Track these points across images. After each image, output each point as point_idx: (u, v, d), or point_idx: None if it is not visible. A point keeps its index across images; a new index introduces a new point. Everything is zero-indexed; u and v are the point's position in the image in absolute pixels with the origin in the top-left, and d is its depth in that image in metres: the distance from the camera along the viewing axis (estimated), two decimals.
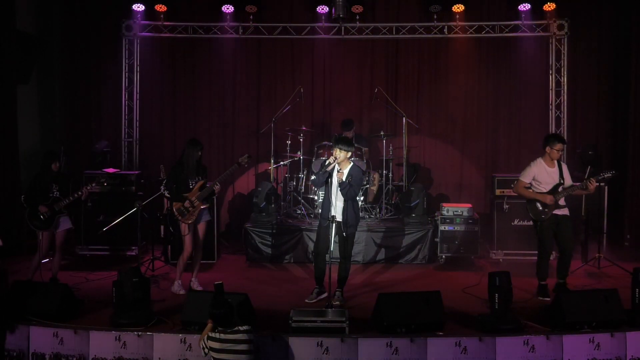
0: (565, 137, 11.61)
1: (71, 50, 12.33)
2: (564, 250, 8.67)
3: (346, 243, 8.43)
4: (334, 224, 8.03)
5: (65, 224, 8.86)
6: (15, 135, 10.72)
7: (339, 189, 8.21)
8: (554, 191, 8.58)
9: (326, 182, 8.32)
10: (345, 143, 8.30)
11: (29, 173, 9.74)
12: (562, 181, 8.60)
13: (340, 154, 8.22)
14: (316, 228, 8.61)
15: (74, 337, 7.13)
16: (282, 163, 11.57)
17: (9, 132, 10.60)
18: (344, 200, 8.24)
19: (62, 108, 12.44)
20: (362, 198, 10.87)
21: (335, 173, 8.25)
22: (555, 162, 8.65)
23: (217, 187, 8.74)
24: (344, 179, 8.17)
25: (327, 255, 8.24)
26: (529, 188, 8.72)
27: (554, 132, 11.72)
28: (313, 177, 10.15)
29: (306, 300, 8.45)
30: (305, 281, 9.58)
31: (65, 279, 8.85)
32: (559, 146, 8.56)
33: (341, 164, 8.27)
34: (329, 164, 8.21)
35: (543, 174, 8.63)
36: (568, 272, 8.64)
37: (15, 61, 10.73)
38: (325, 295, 8.46)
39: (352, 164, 8.38)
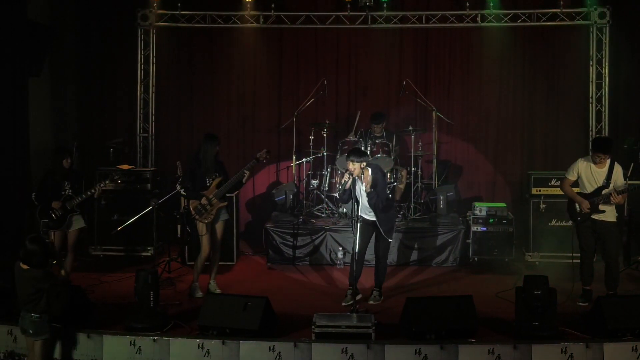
0: (607, 132, 11.54)
1: (84, 41, 12.43)
2: (605, 261, 8.56)
3: (380, 242, 8.65)
4: (358, 224, 8.14)
5: (78, 223, 8.92)
6: (26, 130, 10.81)
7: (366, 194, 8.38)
8: (594, 194, 8.42)
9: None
10: (355, 154, 8.38)
11: (40, 169, 9.82)
12: (606, 183, 8.37)
13: (353, 166, 8.28)
14: (340, 228, 8.66)
15: (87, 342, 7.20)
16: (304, 160, 11.58)
17: (19, 126, 10.68)
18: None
19: (74, 101, 12.55)
20: (389, 196, 10.83)
21: (358, 183, 8.39)
22: (607, 162, 8.40)
23: (246, 173, 8.73)
24: (369, 189, 8.27)
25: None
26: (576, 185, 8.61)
27: (594, 126, 11.65)
28: (337, 196, 10.27)
29: (343, 304, 8.49)
30: (330, 284, 9.60)
31: (78, 281, 8.92)
32: (598, 155, 8.34)
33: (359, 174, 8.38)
34: (346, 182, 8.33)
35: (587, 173, 8.47)
36: (615, 283, 8.48)
37: (26, 52, 10.82)
38: (360, 296, 8.54)
39: (370, 169, 8.41)
